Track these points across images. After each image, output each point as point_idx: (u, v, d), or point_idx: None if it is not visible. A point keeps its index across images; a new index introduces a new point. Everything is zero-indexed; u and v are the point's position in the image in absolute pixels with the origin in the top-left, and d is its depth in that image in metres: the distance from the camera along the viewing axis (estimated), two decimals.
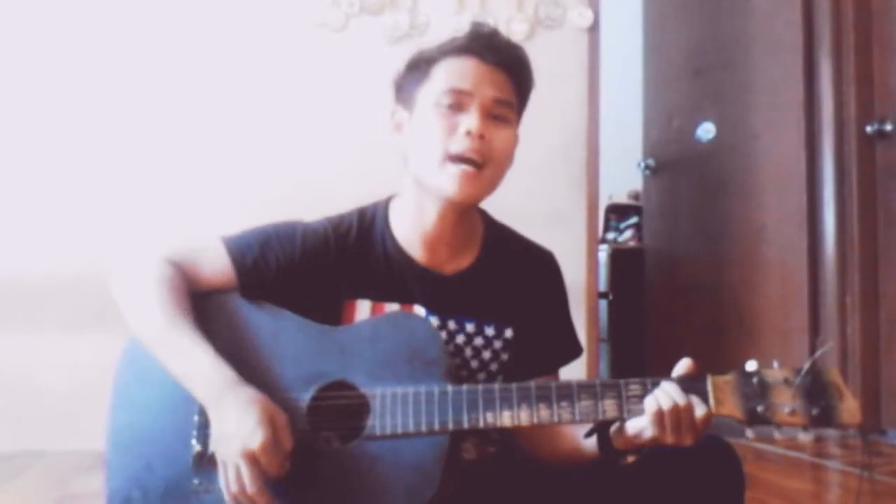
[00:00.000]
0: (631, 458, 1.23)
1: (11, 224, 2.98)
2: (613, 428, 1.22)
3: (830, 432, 3.18)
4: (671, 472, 1.25)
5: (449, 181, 1.31)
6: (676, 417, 1.15)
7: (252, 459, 1.15)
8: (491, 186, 1.37)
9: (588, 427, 1.25)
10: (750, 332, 3.52)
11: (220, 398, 1.20)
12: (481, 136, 1.31)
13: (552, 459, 1.37)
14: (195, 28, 3.08)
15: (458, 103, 1.33)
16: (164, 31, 3.06)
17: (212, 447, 1.22)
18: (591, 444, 1.25)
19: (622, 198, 4.92)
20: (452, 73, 1.34)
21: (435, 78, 1.35)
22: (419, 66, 1.38)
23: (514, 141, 1.38)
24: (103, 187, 3.02)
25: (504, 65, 1.36)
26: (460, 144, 1.31)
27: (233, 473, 1.17)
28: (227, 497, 1.18)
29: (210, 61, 3.08)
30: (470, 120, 1.31)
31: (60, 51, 3.02)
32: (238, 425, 1.16)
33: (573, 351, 1.50)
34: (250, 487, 1.15)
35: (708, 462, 1.26)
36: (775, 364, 1.18)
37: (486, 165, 1.32)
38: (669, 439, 1.15)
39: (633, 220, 4.77)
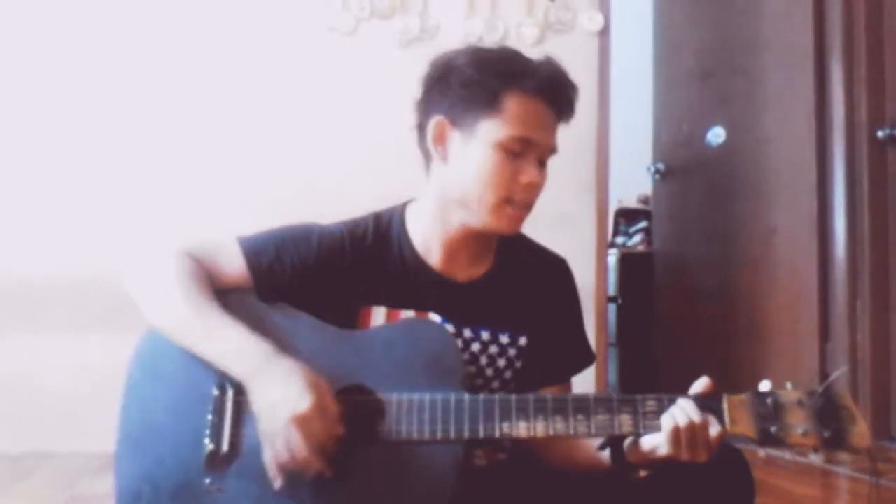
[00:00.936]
0: (643, 473, 1.23)
1: (19, 225, 3.00)
2: (627, 442, 1.22)
3: None
4: (681, 478, 1.24)
5: (504, 221, 1.33)
6: (692, 435, 1.15)
7: (303, 423, 1.15)
8: None
9: (601, 440, 1.25)
10: (759, 337, 3.51)
11: (260, 370, 1.21)
12: (538, 185, 1.33)
13: (565, 468, 1.37)
14: (206, 31, 3.09)
15: (523, 150, 1.32)
16: (173, 33, 3.08)
17: (258, 423, 1.21)
18: (605, 455, 1.26)
19: (632, 202, 4.91)
20: (527, 119, 1.31)
21: (505, 113, 1.31)
22: (483, 90, 1.32)
23: None
24: (109, 189, 3.03)
25: (562, 111, 1.36)
26: (522, 195, 1.32)
27: (282, 442, 1.16)
28: (273, 470, 1.18)
29: (220, 64, 3.09)
30: (531, 170, 1.32)
31: (69, 53, 3.04)
32: (284, 392, 1.17)
33: (586, 359, 1.51)
34: (302, 452, 1.15)
35: (718, 468, 1.25)
36: (788, 385, 1.19)
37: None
38: (684, 456, 1.16)
39: (643, 224, 4.76)
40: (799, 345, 3.33)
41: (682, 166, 4.04)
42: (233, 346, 1.25)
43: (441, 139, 1.36)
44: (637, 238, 4.79)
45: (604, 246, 3.31)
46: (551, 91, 1.34)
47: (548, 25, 3.23)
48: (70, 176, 3.02)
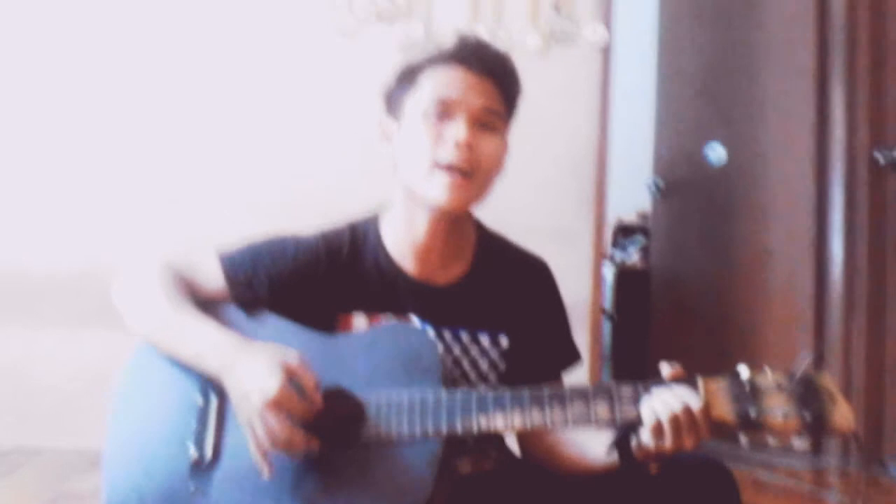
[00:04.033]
0: (655, 467, 1.21)
1: (13, 219, 2.99)
2: (634, 442, 1.20)
3: (830, 461, 3.15)
4: (668, 497, 1.24)
5: (437, 189, 1.32)
6: (676, 425, 1.15)
7: (276, 406, 1.16)
8: (480, 194, 1.37)
9: (605, 443, 1.24)
10: (753, 357, 3.49)
11: (232, 363, 1.23)
12: (469, 146, 1.31)
13: (562, 470, 1.36)
14: (209, 33, 3.09)
15: (445, 112, 1.33)
16: (175, 34, 3.08)
17: (238, 417, 1.22)
18: (608, 455, 1.25)
19: (631, 217, 4.91)
20: (439, 83, 1.34)
21: (421, 87, 1.35)
22: (406, 76, 1.38)
23: (503, 148, 1.38)
24: (109, 184, 3.03)
25: (491, 73, 1.36)
26: (448, 154, 1.31)
27: (262, 429, 1.17)
28: (259, 460, 1.19)
29: (223, 66, 3.09)
30: (457, 129, 1.31)
31: (68, 50, 3.04)
32: (252, 381, 1.18)
33: (570, 357, 1.50)
34: (282, 433, 1.16)
35: (705, 487, 1.25)
36: (767, 369, 1.17)
37: (474, 174, 1.33)
38: (669, 447, 1.15)
39: (639, 240, 4.76)
40: (793, 366, 3.32)
41: (681, 182, 4.03)
42: (206, 344, 1.27)
43: (385, 136, 1.42)
44: (635, 255, 4.79)
45: (600, 258, 3.30)
46: (465, 54, 1.35)
47: (551, 35, 3.22)
48: (70, 170, 3.02)
